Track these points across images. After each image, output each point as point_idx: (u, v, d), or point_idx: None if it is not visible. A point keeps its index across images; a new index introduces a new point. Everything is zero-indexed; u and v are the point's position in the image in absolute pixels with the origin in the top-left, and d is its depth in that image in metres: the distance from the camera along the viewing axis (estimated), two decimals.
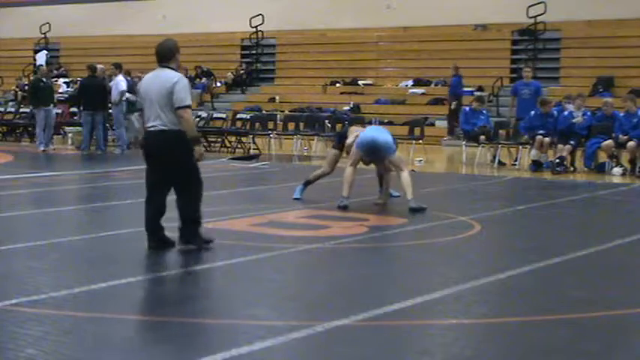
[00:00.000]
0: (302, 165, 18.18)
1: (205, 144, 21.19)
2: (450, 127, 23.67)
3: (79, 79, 27.17)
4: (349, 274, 7.44)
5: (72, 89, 28.57)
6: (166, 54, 8.17)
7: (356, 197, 11.31)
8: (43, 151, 19.84)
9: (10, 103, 28.13)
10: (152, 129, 8.08)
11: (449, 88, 24.48)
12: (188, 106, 8.01)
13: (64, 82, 31.34)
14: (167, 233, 8.21)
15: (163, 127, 8.01)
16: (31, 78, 31.11)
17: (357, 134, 11.42)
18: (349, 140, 11.51)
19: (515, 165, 17.64)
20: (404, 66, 28.42)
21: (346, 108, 25.67)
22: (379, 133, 11.23)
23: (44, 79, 20.87)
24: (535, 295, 6.77)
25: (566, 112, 17.20)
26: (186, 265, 7.52)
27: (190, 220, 8.22)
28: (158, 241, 8.21)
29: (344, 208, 10.79)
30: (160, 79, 8.06)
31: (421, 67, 27.74)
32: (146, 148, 8.26)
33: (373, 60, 29.11)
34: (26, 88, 30.95)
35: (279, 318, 5.83)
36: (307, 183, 11.85)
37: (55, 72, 31.36)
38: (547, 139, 16.66)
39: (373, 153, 11.15)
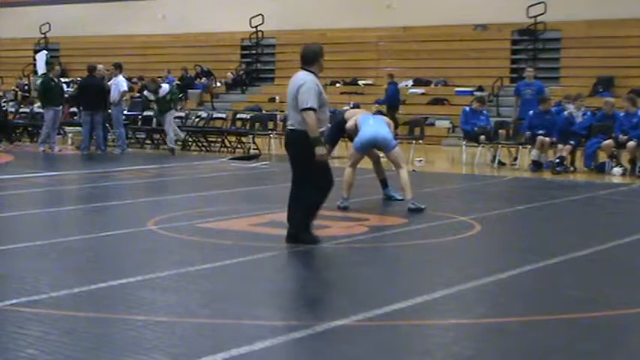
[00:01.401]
0: None
1: (205, 144, 21.24)
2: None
3: (78, 79, 27.17)
4: (349, 274, 7.44)
5: (72, 89, 28.56)
6: (310, 57, 8.53)
7: (356, 197, 11.31)
8: (49, 151, 19.76)
9: (10, 103, 28.09)
10: (288, 127, 8.59)
11: (385, 97, 24.61)
12: (310, 109, 8.21)
13: (64, 82, 31.32)
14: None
15: (292, 127, 8.38)
16: (32, 77, 31.27)
17: (357, 120, 11.28)
18: (349, 124, 11.37)
19: (514, 165, 17.64)
20: (404, 66, 28.42)
21: (346, 108, 25.63)
22: (378, 129, 11.11)
23: (55, 79, 20.84)
24: (535, 295, 6.77)
25: (565, 112, 17.20)
26: (186, 266, 7.51)
27: (301, 215, 8.42)
28: (289, 235, 8.46)
29: (344, 209, 10.79)
30: (294, 81, 8.43)
31: (421, 67, 27.74)
32: (285, 145, 8.80)
33: (373, 60, 29.11)
34: (26, 87, 31.02)
35: (279, 318, 5.84)
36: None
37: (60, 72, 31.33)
38: (548, 140, 16.66)
39: (373, 148, 11.23)
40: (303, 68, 8.51)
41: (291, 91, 8.42)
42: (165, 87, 20.02)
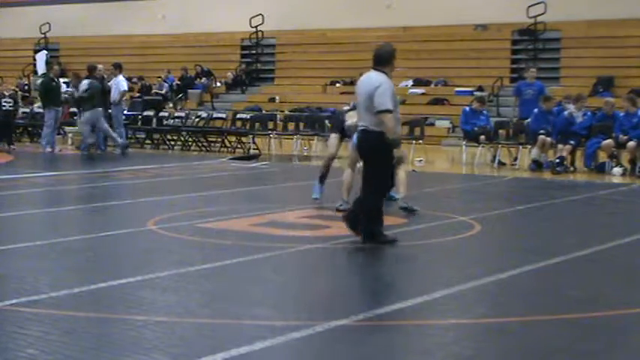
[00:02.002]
0: (302, 165, 18.19)
1: (205, 144, 21.25)
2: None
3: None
4: (349, 274, 7.44)
5: (71, 89, 28.53)
6: (383, 58, 8.50)
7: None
8: (51, 151, 19.76)
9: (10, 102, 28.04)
10: (359, 128, 8.53)
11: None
12: (388, 110, 8.23)
13: (64, 82, 31.31)
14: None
15: (365, 127, 8.38)
16: (32, 78, 31.26)
17: (356, 120, 11.20)
18: (348, 122, 11.20)
19: (514, 164, 17.63)
20: (404, 66, 28.38)
21: (346, 108, 25.62)
22: None
23: (56, 79, 20.83)
24: (535, 295, 6.77)
25: (565, 112, 17.20)
26: (186, 266, 7.50)
27: (365, 219, 8.49)
28: (354, 227, 8.54)
29: (344, 211, 10.62)
30: (366, 82, 8.39)
31: (421, 67, 27.73)
32: (357, 145, 8.83)
33: None
34: (26, 88, 31.01)
35: (279, 318, 5.83)
36: (322, 178, 11.50)
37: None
38: (549, 139, 16.67)
39: None
40: (375, 69, 8.48)
41: (363, 92, 8.38)
42: (84, 83, 19.62)
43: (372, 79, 8.37)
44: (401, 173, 10.80)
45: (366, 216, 8.47)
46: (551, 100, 17.58)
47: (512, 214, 11.33)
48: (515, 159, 17.82)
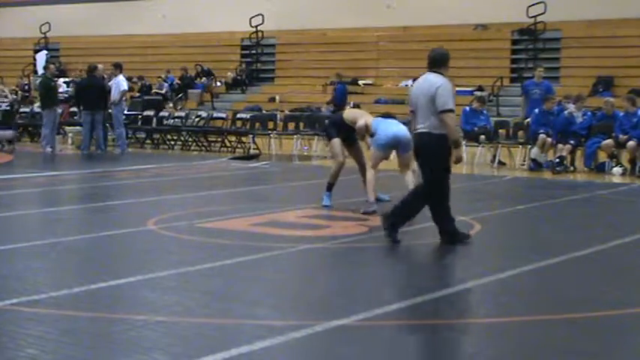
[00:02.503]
0: (302, 165, 18.19)
1: (205, 144, 21.25)
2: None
3: (77, 79, 27.16)
4: (349, 274, 7.44)
5: (72, 89, 28.54)
6: (439, 60, 8.58)
7: (356, 198, 11.31)
8: (51, 151, 19.76)
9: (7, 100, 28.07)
10: (417, 131, 8.51)
11: (334, 98, 24.85)
12: (450, 110, 8.28)
13: (64, 82, 31.33)
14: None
15: (425, 130, 8.36)
16: (32, 78, 31.25)
17: (368, 119, 10.84)
18: (360, 123, 10.85)
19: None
20: (404, 66, 28.40)
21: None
22: (401, 128, 10.77)
23: (53, 79, 20.84)
24: (535, 295, 6.77)
25: (565, 112, 17.20)
26: (186, 265, 7.50)
27: (401, 215, 8.61)
28: (443, 234, 8.60)
29: (373, 213, 10.30)
30: (426, 84, 8.41)
31: (421, 67, 27.55)
32: (415, 148, 8.82)
33: (373, 60, 29.10)
34: (26, 87, 31.01)
35: (279, 318, 5.83)
36: (330, 187, 11.18)
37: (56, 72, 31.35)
38: (549, 139, 16.67)
39: (393, 148, 10.80)
40: (432, 71, 8.53)
41: (422, 94, 8.39)
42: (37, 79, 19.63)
43: (431, 80, 8.42)
44: (410, 177, 10.67)
45: (405, 213, 8.58)
46: (552, 100, 17.59)
47: (512, 213, 11.33)
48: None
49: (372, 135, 10.79)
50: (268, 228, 9.41)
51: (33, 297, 6.20)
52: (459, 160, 8.46)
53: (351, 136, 11.19)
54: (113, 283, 6.68)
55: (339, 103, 24.56)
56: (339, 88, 25.15)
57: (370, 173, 10.66)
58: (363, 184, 11.16)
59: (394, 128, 10.72)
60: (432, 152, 8.42)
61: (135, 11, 33.90)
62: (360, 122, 10.89)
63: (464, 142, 18.71)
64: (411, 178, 10.66)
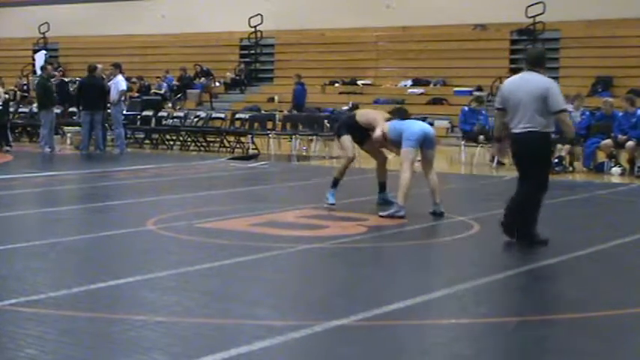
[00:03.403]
0: (301, 165, 18.18)
1: (204, 144, 21.25)
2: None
3: (77, 79, 27.17)
4: (348, 274, 7.44)
5: (71, 89, 28.53)
6: (538, 60, 8.65)
7: (355, 197, 11.30)
8: (50, 151, 19.75)
9: (10, 103, 28.07)
10: (519, 130, 8.45)
11: (292, 98, 25.00)
12: (565, 110, 8.47)
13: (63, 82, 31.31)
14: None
15: (532, 129, 8.37)
16: (31, 78, 31.24)
17: (384, 127, 10.58)
18: (377, 134, 10.59)
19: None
20: (403, 66, 28.43)
21: (345, 108, 25.66)
22: (422, 125, 10.72)
23: (50, 80, 20.83)
24: (535, 295, 6.77)
25: None
26: (185, 266, 7.50)
27: (529, 215, 8.57)
28: (511, 233, 8.61)
29: (400, 217, 10.11)
30: (530, 84, 8.41)
31: (420, 67, 27.74)
32: (514, 149, 8.72)
33: (372, 60, 29.12)
34: (25, 87, 31.01)
35: (278, 318, 5.83)
36: (335, 183, 11.03)
37: (53, 72, 31.36)
38: None
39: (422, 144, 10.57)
40: (532, 70, 8.56)
41: (526, 93, 8.38)
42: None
43: (537, 80, 8.44)
44: (435, 178, 10.60)
45: (533, 211, 8.56)
46: None
47: None
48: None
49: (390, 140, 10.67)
50: (267, 228, 9.41)
51: (32, 297, 6.19)
52: (577, 159, 8.62)
53: (364, 136, 11.08)
54: (112, 284, 6.67)
55: (298, 103, 24.74)
56: (297, 89, 25.26)
57: (406, 175, 10.22)
58: (377, 180, 11.22)
59: (420, 125, 10.66)
60: (542, 150, 8.56)
61: (134, 11, 33.90)
62: (377, 133, 10.66)
63: (462, 143, 18.76)
64: (436, 179, 10.52)
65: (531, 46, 8.90)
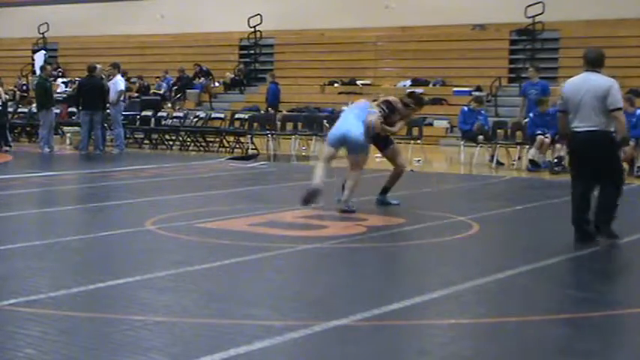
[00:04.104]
0: (300, 165, 18.18)
1: (203, 144, 21.24)
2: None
3: (77, 79, 27.16)
4: (348, 274, 7.43)
5: (70, 89, 28.55)
6: (598, 60, 8.80)
7: (354, 197, 11.28)
8: (49, 151, 19.74)
9: (9, 103, 28.06)
10: (580, 129, 8.58)
11: (266, 97, 25.12)
12: (621, 108, 8.62)
13: (62, 82, 31.34)
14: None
15: (595, 128, 8.50)
16: (31, 78, 31.23)
17: (372, 118, 10.70)
18: (373, 117, 10.70)
19: (514, 164, 17.61)
20: (402, 66, 28.42)
21: (344, 108, 25.63)
22: (351, 127, 10.69)
23: (49, 80, 20.82)
24: (535, 295, 6.76)
25: None
26: (185, 266, 7.49)
27: (605, 216, 8.72)
28: (583, 234, 8.70)
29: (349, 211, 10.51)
30: (592, 83, 8.57)
31: (419, 67, 27.74)
32: (574, 147, 8.82)
33: (371, 60, 29.10)
34: (24, 88, 31.00)
35: (277, 318, 5.82)
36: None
37: (54, 72, 31.36)
38: (547, 140, 16.66)
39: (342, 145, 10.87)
40: (592, 70, 8.70)
41: (589, 93, 8.51)
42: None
43: (599, 80, 8.58)
44: (354, 177, 10.69)
45: (608, 209, 8.72)
46: (546, 102, 17.55)
47: (510, 213, 11.32)
48: (519, 157, 17.77)
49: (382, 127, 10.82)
50: (266, 228, 9.40)
51: (31, 297, 6.18)
52: (628, 157, 8.65)
53: (380, 141, 11.22)
54: (111, 284, 6.66)
55: (272, 102, 24.81)
56: (271, 88, 25.31)
57: (354, 174, 10.67)
58: (385, 183, 11.33)
59: (346, 125, 10.75)
60: (606, 148, 8.64)
61: (133, 11, 33.88)
62: (373, 117, 10.72)
63: (462, 143, 18.76)
64: (354, 181, 10.62)
65: (590, 48, 8.96)
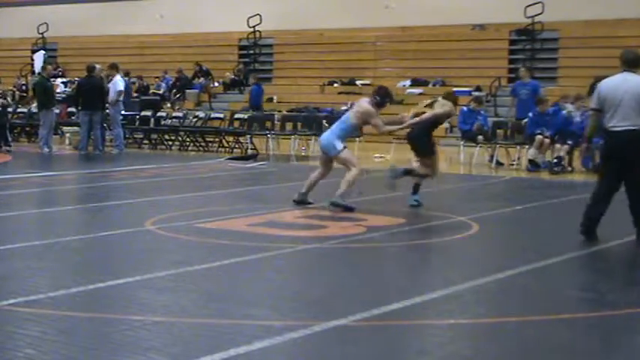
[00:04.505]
0: (300, 165, 18.17)
1: (203, 144, 21.23)
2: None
3: (76, 79, 27.15)
4: (347, 274, 7.43)
5: (69, 89, 28.52)
6: (635, 61, 8.86)
7: (354, 197, 11.29)
8: (49, 151, 19.73)
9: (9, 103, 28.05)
10: (619, 129, 8.57)
11: (249, 99, 25.19)
12: None
13: (62, 82, 31.31)
14: None
15: (632, 127, 8.52)
16: (30, 78, 31.20)
17: (376, 121, 11.30)
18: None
19: (513, 164, 17.62)
20: (402, 66, 28.41)
21: (344, 108, 25.60)
22: (325, 134, 11.46)
23: (50, 80, 20.81)
24: (535, 295, 6.76)
25: (564, 112, 17.19)
26: (184, 266, 7.48)
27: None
28: (590, 232, 8.76)
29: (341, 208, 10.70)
30: (630, 83, 8.61)
31: (419, 67, 27.73)
32: (612, 145, 8.76)
33: (371, 60, 29.09)
34: (24, 88, 30.98)
35: (277, 318, 5.82)
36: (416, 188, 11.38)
37: (53, 72, 31.34)
38: (547, 140, 16.66)
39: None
40: (628, 70, 8.74)
41: (627, 93, 8.56)
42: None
43: (637, 80, 8.64)
44: (350, 174, 10.92)
45: None
46: (546, 102, 17.56)
47: (510, 214, 11.31)
48: (519, 157, 17.78)
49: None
50: (266, 228, 9.40)
51: (31, 297, 6.18)
52: None
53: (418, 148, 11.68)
54: (111, 284, 6.66)
55: (255, 104, 24.84)
56: (254, 89, 25.33)
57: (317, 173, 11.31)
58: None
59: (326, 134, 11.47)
60: (638, 149, 8.62)
61: (132, 11, 33.86)
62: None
63: (461, 143, 18.75)
64: (315, 178, 11.21)
65: (627, 49, 9.04)
